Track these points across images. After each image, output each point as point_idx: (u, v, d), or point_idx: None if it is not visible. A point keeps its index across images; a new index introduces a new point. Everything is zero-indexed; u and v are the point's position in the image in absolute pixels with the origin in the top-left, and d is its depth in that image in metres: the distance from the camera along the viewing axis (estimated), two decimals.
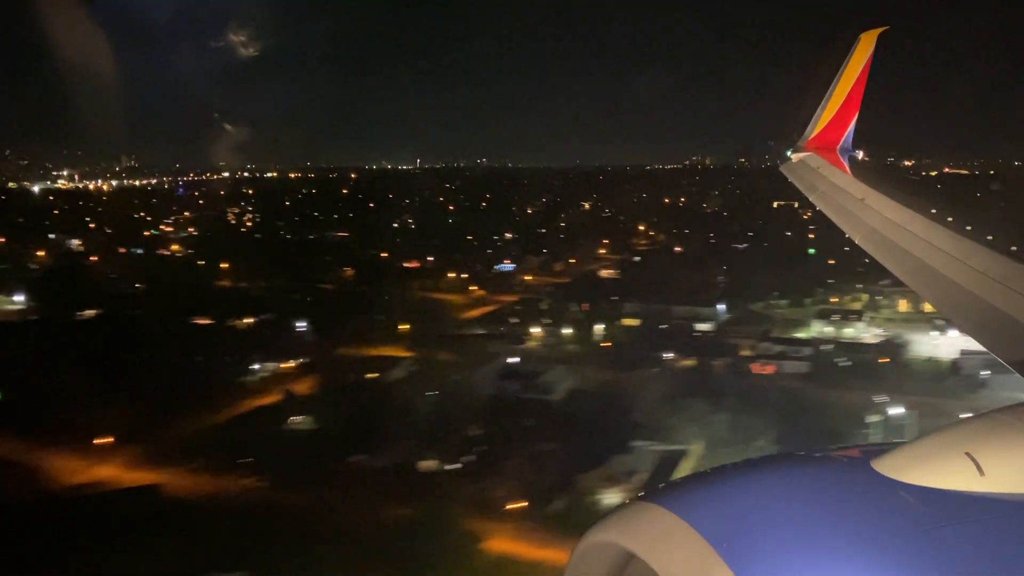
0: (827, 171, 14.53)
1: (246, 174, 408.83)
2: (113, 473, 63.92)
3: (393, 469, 60.74)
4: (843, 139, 15.92)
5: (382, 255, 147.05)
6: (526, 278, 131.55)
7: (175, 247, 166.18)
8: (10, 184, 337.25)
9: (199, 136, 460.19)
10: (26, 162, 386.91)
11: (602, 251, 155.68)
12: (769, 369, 79.94)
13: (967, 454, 3.41)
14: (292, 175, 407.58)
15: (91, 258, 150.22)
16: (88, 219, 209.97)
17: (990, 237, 9.23)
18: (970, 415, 3.85)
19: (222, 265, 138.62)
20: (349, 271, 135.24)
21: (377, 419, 68.69)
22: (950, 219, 10.24)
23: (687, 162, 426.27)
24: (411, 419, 69.03)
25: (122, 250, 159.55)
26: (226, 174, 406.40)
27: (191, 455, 65.70)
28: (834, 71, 15.76)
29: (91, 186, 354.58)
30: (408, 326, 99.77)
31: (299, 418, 71.89)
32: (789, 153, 16.33)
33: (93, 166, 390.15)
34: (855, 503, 3.17)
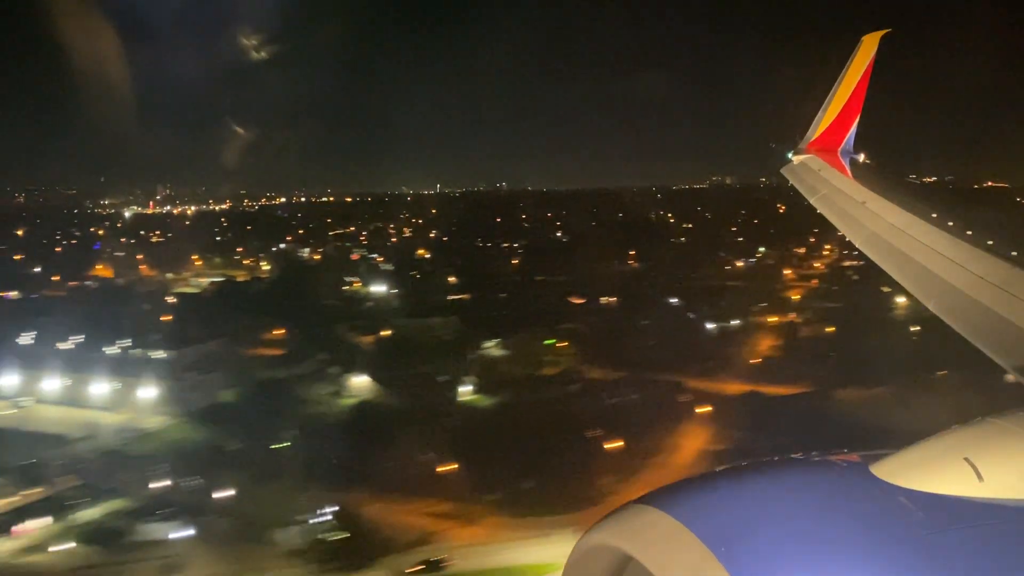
0: (828, 174, 14.41)
1: (302, 199, 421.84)
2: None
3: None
4: (844, 141, 15.79)
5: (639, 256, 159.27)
6: (815, 265, 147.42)
7: (420, 251, 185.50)
8: (98, 209, 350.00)
9: (220, 166, 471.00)
10: (74, 191, 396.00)
11: (818, 251, 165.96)
12: None
13: (966, 459, 3.45)
14: (348, 199, 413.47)
15: (378, 260, 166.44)
16: (258, 233, 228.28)
17: (990, 242, 9.43)
18: (969, 420, 3.88)
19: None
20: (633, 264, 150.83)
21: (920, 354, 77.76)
22: (950, 223, 10.41)
23: (708, 182, 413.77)
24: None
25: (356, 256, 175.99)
26: (283, 199, 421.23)
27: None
28: (837, 73, 15.69)
29: (175, 211, 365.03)
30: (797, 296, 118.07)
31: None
32: (790, 155, 16.16)
33: (135, 194, 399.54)
34: (854, 508, 3.20)
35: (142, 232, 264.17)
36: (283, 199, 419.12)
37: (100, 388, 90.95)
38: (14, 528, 59.72)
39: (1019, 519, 3.27)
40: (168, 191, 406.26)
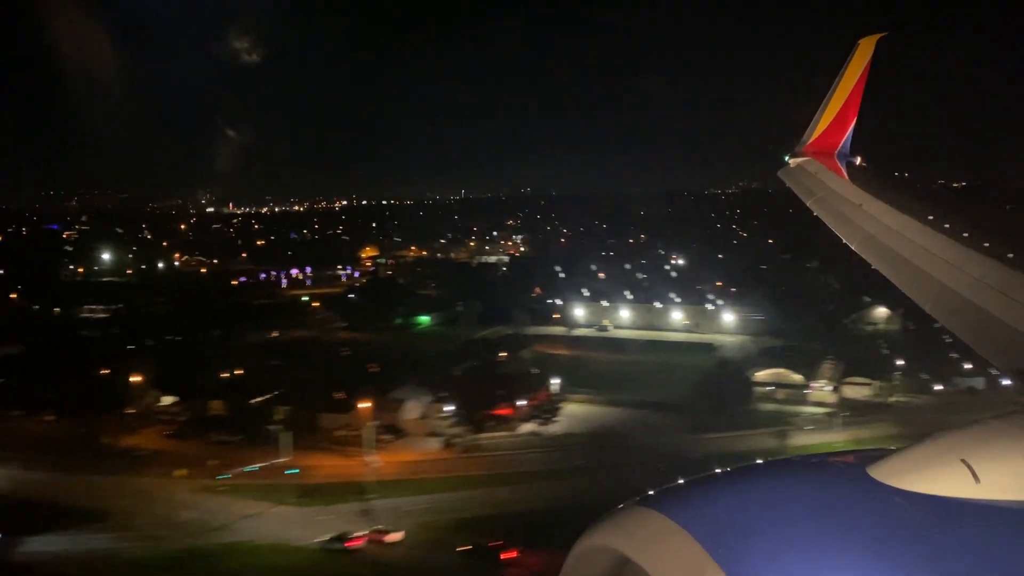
0: (825, 176, 14.21)
1: (362, 202, 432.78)
2: None
3: None
4: (841, 144, 15.56)
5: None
6: None
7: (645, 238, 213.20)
8: (206, 210, 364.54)
9: (244, 173, 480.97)
10: (126, 195, 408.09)
11: None
12: None
13: (963, 461, 3.40)
14: (408, 202, 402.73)
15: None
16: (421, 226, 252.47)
17: (987, 244, 9.10)
18: (965, 421, 3.87)
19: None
20: None
21: None
22: (947, 225, 10.16)
23: (735, 188, 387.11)
24: None
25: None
26: (344, 202, 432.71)
27: None
28: (833, 77, 15.51)
29: (264, 210, 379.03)
30: None
31: None
32: (787, 158, 15.94)
33: (185, 198, 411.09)
34: (851, 509, 3.17)
35: (317, 225, 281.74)
36: (344, 202, 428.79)
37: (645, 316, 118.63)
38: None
39: (1015, 520, 3.22)
40: (210, 195, 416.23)
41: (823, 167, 14.49)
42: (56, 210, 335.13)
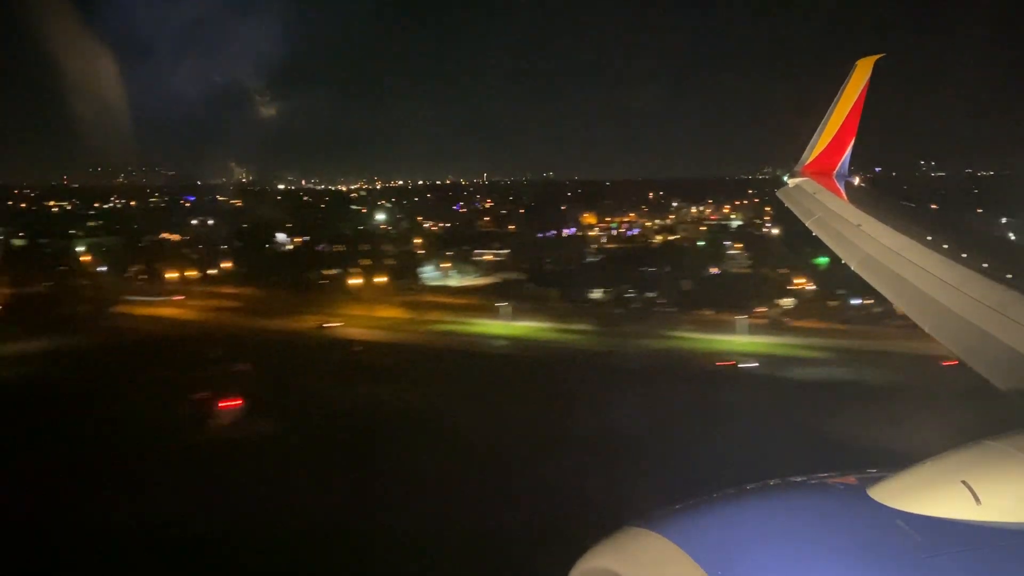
0: (823, 197, 14.47)
1: (419, 183, 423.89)
2: None
3: None
4: (840, 164, 15.79)
5: None
6: None
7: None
8: (280, 185, 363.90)
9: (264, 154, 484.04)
10: (173, 172, 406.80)
11: None
12: None
13: (963, 482, 3.42)
14: (466, 181, 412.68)
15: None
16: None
17: (985, 264, 9.30)
18: (966, 443, 3.85)
19: None
20: None
21: None
22: (945, 246, 10.31)
23: (761, 174, 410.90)
24: None
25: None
26: (404, 183, 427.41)
27: None
28: (831, 97, 15.70)
29: (331, 188, 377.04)
30: None
31: None
32: (786, 178, 16.14)
33: (226, 173, 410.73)
34: (851, 531, 3.19)
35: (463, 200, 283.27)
36: (401, 182, 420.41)
37: None
38: None
39: (1016, 542, 3.26)
40: (248, 174, 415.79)
41: (821, 187, 14.85)
42: (109, 187, 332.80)
